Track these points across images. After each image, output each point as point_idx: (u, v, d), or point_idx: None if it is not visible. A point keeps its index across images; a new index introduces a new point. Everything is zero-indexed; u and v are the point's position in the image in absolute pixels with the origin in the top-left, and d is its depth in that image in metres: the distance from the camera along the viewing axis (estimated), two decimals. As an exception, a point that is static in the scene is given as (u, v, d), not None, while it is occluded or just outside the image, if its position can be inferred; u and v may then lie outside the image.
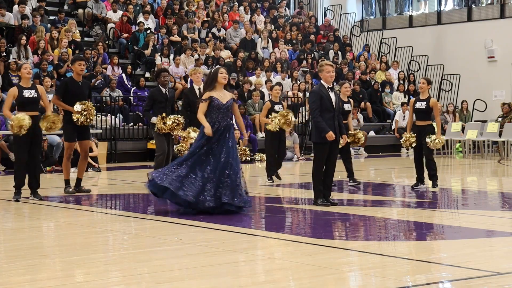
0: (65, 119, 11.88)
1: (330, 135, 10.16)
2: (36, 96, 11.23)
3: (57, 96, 12.05)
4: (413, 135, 12.55)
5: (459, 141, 22.36)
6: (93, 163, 16.97)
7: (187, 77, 22.37)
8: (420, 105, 12.57)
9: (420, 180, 12.65)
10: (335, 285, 6.17)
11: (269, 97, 16.09)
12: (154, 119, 12.62)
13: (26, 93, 11.17)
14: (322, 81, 10.47)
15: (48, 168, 16.89)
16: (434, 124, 12.76)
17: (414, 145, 12.62)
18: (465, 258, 7.06)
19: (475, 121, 23.99)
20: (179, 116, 12.70)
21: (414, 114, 12.76)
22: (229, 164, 9.78)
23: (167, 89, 12.91)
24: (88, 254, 7.42)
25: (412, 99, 12.99)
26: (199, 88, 12.81)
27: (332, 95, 10.33)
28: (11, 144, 17.26)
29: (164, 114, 12.51)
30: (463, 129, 22.28)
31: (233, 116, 10.42)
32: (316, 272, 6.54)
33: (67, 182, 12.24)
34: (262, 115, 14.39)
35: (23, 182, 11.37)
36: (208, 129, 9.81)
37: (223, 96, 10.01)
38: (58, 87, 12.33)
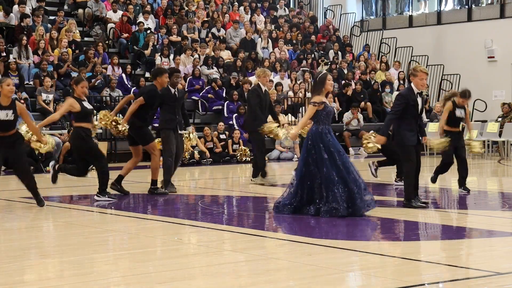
0: (137, 125, 12.08)
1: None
2: (12, 118, 10.21)
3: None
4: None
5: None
6: (93, 163, 16.96)
7: (187, 76, 22.39)
8: (460, 113, 12.76)
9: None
10: (335, 285, 6.17)
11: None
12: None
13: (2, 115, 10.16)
14: (412, 85, 10.26)
15: (48, 168, 16.88)
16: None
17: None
18: (465, 258, 7.05)
19: (475, 121, 23.95)
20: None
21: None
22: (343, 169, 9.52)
23: (176, 89, 12.84)
24: (88, 254, 7.42)
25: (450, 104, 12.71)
26: (265, 90, 13.83)
27: (419, 100, 10.22)
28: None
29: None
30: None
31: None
32: (316, 272, 6.53)
33: (155, 182, 12.35)
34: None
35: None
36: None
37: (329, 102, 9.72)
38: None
